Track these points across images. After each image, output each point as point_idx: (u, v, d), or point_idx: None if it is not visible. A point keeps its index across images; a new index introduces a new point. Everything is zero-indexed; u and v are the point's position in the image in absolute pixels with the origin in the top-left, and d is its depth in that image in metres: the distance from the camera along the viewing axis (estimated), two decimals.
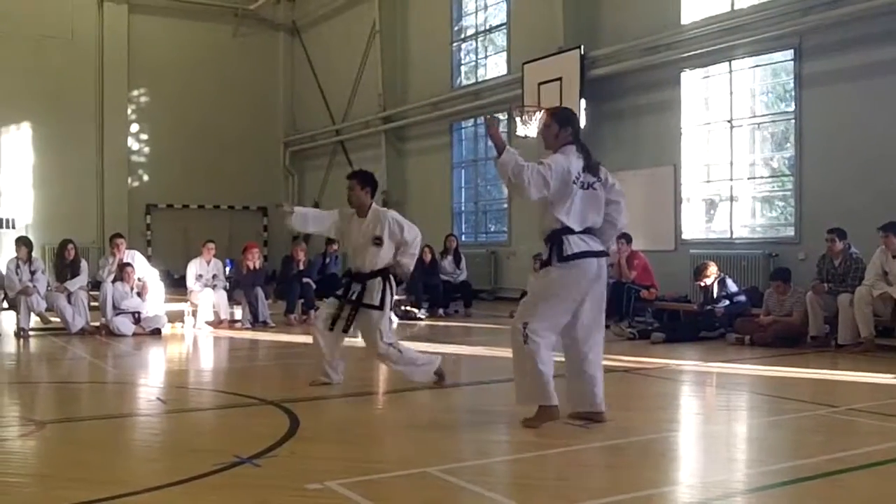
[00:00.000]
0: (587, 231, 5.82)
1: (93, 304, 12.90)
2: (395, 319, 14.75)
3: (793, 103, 12.63)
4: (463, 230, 19.40)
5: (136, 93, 24.09)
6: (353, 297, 7.42)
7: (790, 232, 12.69)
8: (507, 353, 8.85)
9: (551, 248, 5.75)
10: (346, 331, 7.54)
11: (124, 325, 12.21)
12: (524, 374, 5.78)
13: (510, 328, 5.89)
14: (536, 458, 5.13)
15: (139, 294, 12.53)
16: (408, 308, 15.55)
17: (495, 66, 18.64)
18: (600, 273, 5.83)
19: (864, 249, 10.56)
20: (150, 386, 8.45)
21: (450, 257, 16.31)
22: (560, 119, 6.01)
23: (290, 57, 26.05)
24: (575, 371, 5.93)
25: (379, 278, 7.42)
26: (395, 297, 15.42)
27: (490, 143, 5.93)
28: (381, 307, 7.40)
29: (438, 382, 7.68)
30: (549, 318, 5.75)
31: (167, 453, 5.49)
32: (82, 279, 12.65)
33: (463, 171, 19.66)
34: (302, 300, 14.45)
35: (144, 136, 24.31)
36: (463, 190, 19.73)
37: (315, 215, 8.01)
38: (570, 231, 5.73)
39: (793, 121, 12.61)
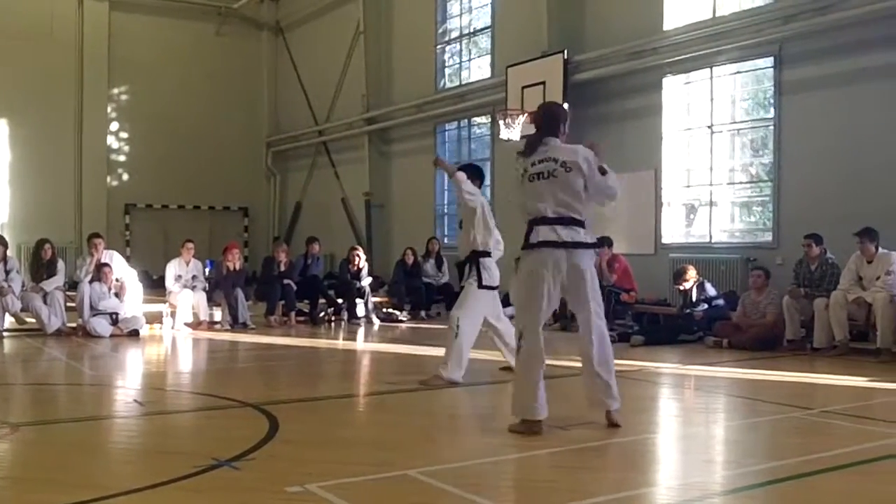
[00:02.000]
0: (558, 220, 5.78)
1: (69, 304, 12.82)
2: (377, 321, 14.79)
3: (772, 110, 12.70)
4: (446, 233, 19.40)
5: (116, 91, 23.93)
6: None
7: (768, 237, 12.77)
8: (488, 355, 8.92)
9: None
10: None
11: (101, 326, 12.13)
12: (517, 385, 5.90)
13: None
14: (517, 461, 5.15)
15: (117, 295, 12.48)
16: (390, 310, 15.56)
17: (479, 69, 18.65)
18: (570, 264, 5.77)
19: (840, 255, 10.67)
20: (127, 388, 8.40)
21: (432, 260, 16.33)
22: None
23: (273, 56, 25.96)
24: (587, 371, 5.98)
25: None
26: (377, 299, 15.56)
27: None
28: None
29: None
30: (530, 314, 5.81)
31: (144, 456, 5.46)
32: (59, 279, 12.57)
33: (446, 173, 19.63)
34: (283, 302, 14.43)
35: (124, 135, 24.13)
36: (446, 192, 19.69)
37: None
38: (539, 221, 5.82)
39: (772, 127, 12.69)
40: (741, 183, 13.59)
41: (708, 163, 13.63)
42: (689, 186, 14.11)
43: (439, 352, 9.34)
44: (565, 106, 14.58)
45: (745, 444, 5.93)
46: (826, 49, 11.82)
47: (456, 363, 7.99)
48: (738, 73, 13.36)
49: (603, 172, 5.85)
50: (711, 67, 13.50)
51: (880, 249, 10.12)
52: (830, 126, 11.78)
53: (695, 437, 6.23)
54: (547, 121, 6.11)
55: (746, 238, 13.37)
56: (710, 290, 11.96)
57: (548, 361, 5.96)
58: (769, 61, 12.70)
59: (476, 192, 8.08)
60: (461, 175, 7.93)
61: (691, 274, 11.98)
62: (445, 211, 19.68)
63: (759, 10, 12.80)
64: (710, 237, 13.63)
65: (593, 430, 5.83)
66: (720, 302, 11.85)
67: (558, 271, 5.76)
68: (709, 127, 13.61)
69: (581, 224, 5.83)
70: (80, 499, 4.26)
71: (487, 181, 17.49)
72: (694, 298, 11.86)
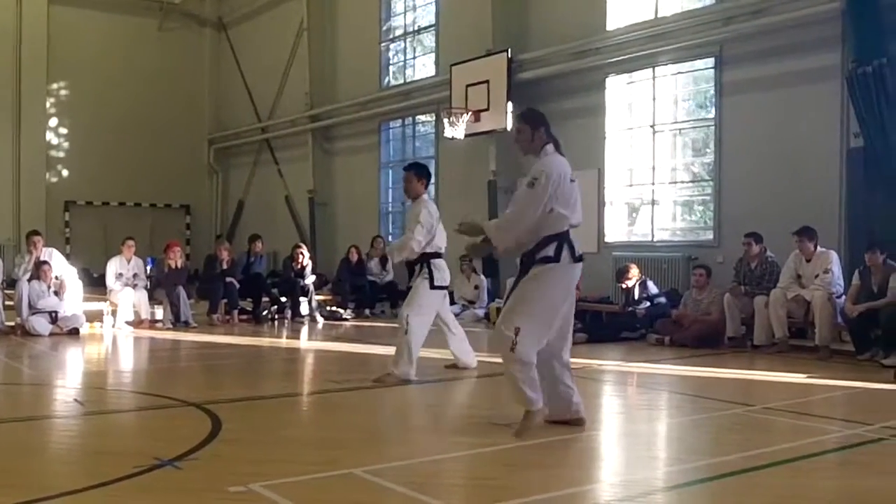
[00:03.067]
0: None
1: (8, 302, 12.58)
2: (321, 319, 14.73)
3: (713, 110, 12.89)
4: (390, 230, 19.38)
5: (55, 86, 23.47)
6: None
7: (709, 235, 12.95)
8: (433, 352, 8.93)
9: (559, 247, 5.57)
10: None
11: (41, 324, 11.94)
12: (511, 382, 5.67)
13: (495, 332, 5.71)
14: (462, 458, 5.16)
15: (56, 293, 12.28)
16: (334, 308, 15.50)
17: (424, 67, 18.65)
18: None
19: (780, 253, 10.87)
20: (67, 387, 8.27)
21: (377, 258, 16.30)
22: (531, 121, 5.83)
23: (215, 53, 25.67)
24: (553, 379, 5.89)
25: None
26: (321, 298, 15.49)
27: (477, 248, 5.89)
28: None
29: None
30: (544, 323, 5.65)
31: (85, 456, 5.38)
32: None
33: (391, 171, 19.61)
34: (225, 300, 14.31)
35: (64, 131, 23.70)
36: (391, 190, 19.68)
37: None
38: (568, 229, 5.65)
39: (713, 127, 12.87)
40: (683, 182, 13.77)
41: (650, 162, 13.79)
42: (631, 185, 14.26)
43: (384, 350, 9.35)
44: (509, 105, 14.78)
45: (688, 440, 6.01)
46: (764, 51, 12.02)
47: (407, 361, 8.00)
48: (680, 73, 13.53)
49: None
50: (654, 68, 13.65)
51: (819, 248, 10.32)
52: (769, 126, 11.99)
53: (637, 433, 6.29)
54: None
55: (688, 237, 13.55)
56: (653, 288, 12.12)
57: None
58: (710, 62, 12.88)
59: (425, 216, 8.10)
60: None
61: (634, 272, 12.12)
62: (390, 209, 19.65)
63: (700, 11, 12.98)
64: (653, 236, 13.79)
65: (537, 428, 5.85)
66: (662, 300, 12.00)
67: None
68: (651, 126, 13.76)
69: None
70: (18, 500, 4.17)
71: (433, 178, 17.54)
72: (636, 296, 12.00)
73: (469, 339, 8.92)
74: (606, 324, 12.40)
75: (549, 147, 5.79)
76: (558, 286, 5.65)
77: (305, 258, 15.21)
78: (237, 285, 14.38)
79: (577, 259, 5.67)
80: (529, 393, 5.63)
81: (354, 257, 16.12)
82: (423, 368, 8.42)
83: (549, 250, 5.59)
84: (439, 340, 8.77)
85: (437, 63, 17.78)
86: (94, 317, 13.04)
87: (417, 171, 8.42)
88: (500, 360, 5.77)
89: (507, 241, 5.69)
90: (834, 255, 10.28)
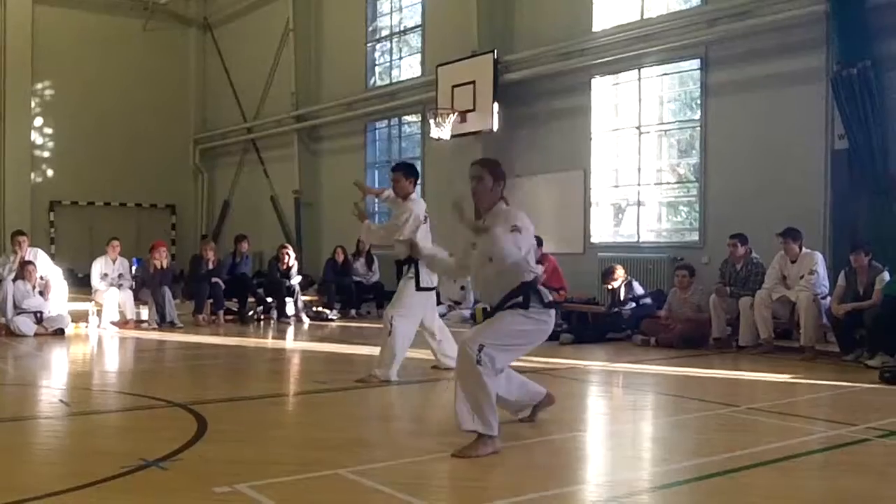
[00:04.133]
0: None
1: None
2: (307, 319, 14.71)
3: (698, 111, 12.93)
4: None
5: (40, 86, 23.36)
6: None
7: (695, 236, 13.00)
8: (419, 353, 8.92)
9: (526, 296, 5.40)
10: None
11: (25, 324, 11.89)
12: (471, 398, 5.28)
13: (459, 349, 5.44)
14: (447, 459, 5.16)
15: (41, 293, 12.23)
16: (319, 309, 15.48)
17: (410, 68, 18.65)
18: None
19: (765, 254, 10.90)
20: (52, 388, 8.23)
21: (362, 259, 16.29)
22: (496, 173, 5.63)
23: (201, 53, 25.60)
24: (509, 382, 5.86)
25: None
26: (307, 298, 15.47)
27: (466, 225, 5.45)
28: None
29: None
30: (510, 353, 5.49)
31: (70, 457, 5.36)
32: None
33: (377, 171, 19.60)
34: (211, 300, 14.27)
35: (49, 131, 23.60)
36: None
37: None
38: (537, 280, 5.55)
39: (698, 128, 12.92)
40: (668, 183, 13.82)
41: (636, 163, 13.82)
42: (617, 186, 14.29)
43: (369, 350, 9.34)
44: (495, 106, 14.78)
45: (673, 440, 6.03)
46: (749, 53, 12.08)
47: (389, 362, 8.00)
48: (666, 74, 13.57)
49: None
50: (639, 69, 13.69)
51: (804, 249, 10.36)
52: (754, 128, 12.05)
53: (623, 434, 6.31)
54: None
55: (673, 238, 13.59)
56: (638, 289, 12.14)
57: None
58: (695, 63, 12.92)
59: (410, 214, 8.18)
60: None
61: (619, 273, 12.14)
62: (376, 209, 19.62)
63: (685, 12, 13.03)
64: (638, 237, 13.82)
65: (522, 429, 5.87)
66: (648, 300, 12.02)
67: None
68: (637, 128, 13.79)
69: None
70: (2, 501, 4.16)
71: (419, 179, 17.54)
72: (622, 297, 12.02)
73: (455, 340, 8.91)
74: (592, 325, 12.42)
75: (502, 203, 5.61)
76: (528, 331, 5.48)
77: (291, 258, 15.18)
78: (223, 285, 14.34)
79: (548, 305, 5.53)
80: (489, 415, 5.29)
81: (340, 258, 16.10)
82: (408, 369, 8.43)
83: (519, 299, 5.43)
84: (424, 341, 8.76)
85: (423, 63, 17.78)
86: (79, 317, 12.99)
87: (406, 171, 8.45)
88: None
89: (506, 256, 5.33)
90: (819, 256, 10.32)
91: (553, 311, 5.57)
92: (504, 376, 5.73)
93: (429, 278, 8.16)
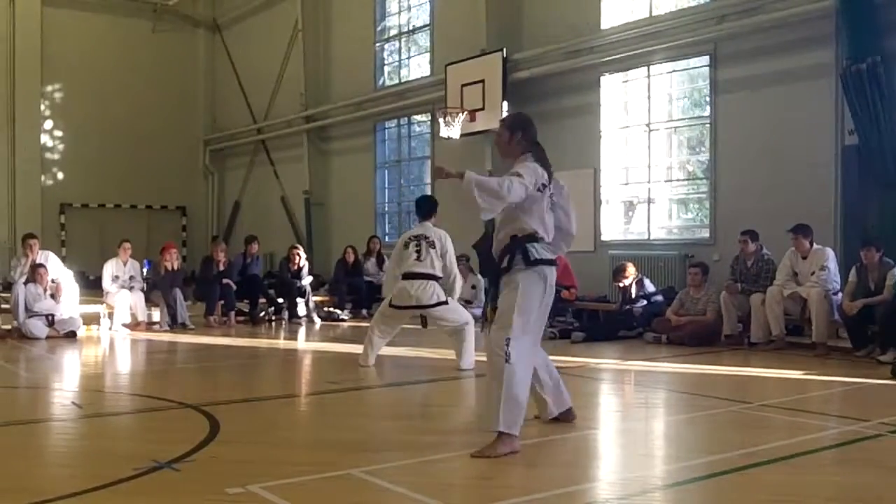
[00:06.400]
0: (547, 242, 5.55)
1: (4, 306, 12.57)
2: (318, 320, 14.73)
3: (708, 108, 12.90)
4: (386, 231, 19.37)
5: (50, 88, 23.44)
6: None
7: (705, 233, 12.96)
8: (429, 352, 8.94)
9: (512, 255, 5.40)
10: None
11: (37, 327, 11.93)
12: (498, 397, 5.21)
13: (487, 343, 5.44)
14: (460, 458, 5.16)
15: (53, 296, 12.26)
16: (331, 309, 15.49)
17: (418, 67, 18.64)
18: (553, 281, 5.53)
19: (776, 251, 10.88)
20: (64, 390, 8.26)
21: (373, 259, 16.30)
22: (510, 125, 5.68)
23: (210, 54, 25.66)
24: (544, 375, 5.86)
25: None
26: (318, 298, 15.49)
27: (446, 178, 5.39)
28: None
29: None
30: (529, 329, 5.39)
31: (83, 459, 5.38)
32: None
33: (386, 171, 19.63)
34: (222, 301, 14.29)
35: (59, 133, 23.67)
36: (386, 190, 19.69)
37: None
38: (537, 239, 5.45)
39: (708, 125, 12.88)
40: (678, 180, 13.79)
41: (646, 160, 13.79)
42: (627, 184, 14.26)
43: (381, 350, 9.34)
44: (505, 104, 14.77)
45: (685, 438, 6.02)
46: (758, 49, 12.04)
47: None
48: (675, 71, 13.54)
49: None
50: (648, 66, 13.66)
51: (815, 245, 10.33)
52: (764, 124, 12.01)
53: (635, 432, 6.30)
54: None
55: (684, 235, 13.56)
56: (649, 287, 12.12)
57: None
58: (705, 60, 12.89)
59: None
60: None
61: (630, 271, 12.12)
62: (385, 209, 19.66)
63: (694, 9, 12.99)
64: (649, 234, 13.80)
65: (534, 427, 5.86)
66: (659, 298, 12.00)
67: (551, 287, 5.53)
68: (646, 125, 13.77)
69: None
70: None
71: (427, 178, 17.56)
72: (633, 295, 12.00)
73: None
74: (603, 323, 12.41)
75: (528, 155, 5.59)
76: (523, 294, 5.39)
77: (302, 259, 15.19)
78: (234, 287, 14.36)
79: (531, 263, 5.40)
80: (516, 416, 5.26)
81: (351, 258, 16.10)
82: (419, 369, 8.43)
83: (505, 261, 5.44)
84: (437, 340, 8.77)
85: (431, 63, 17.78)
86: (90, 319, 13.03)
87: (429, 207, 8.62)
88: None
89: (467, 191, 5.20)
90: (830, 253, 10.29)
91: (545, 267, 5.45)
92: (546, 368, 5.80)
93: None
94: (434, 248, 8.71)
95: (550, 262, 5.50)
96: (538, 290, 5.43)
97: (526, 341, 5.35)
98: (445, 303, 8.68)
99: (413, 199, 19.16)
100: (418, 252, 8.68)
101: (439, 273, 8.74)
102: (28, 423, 6.46)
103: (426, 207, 9.06)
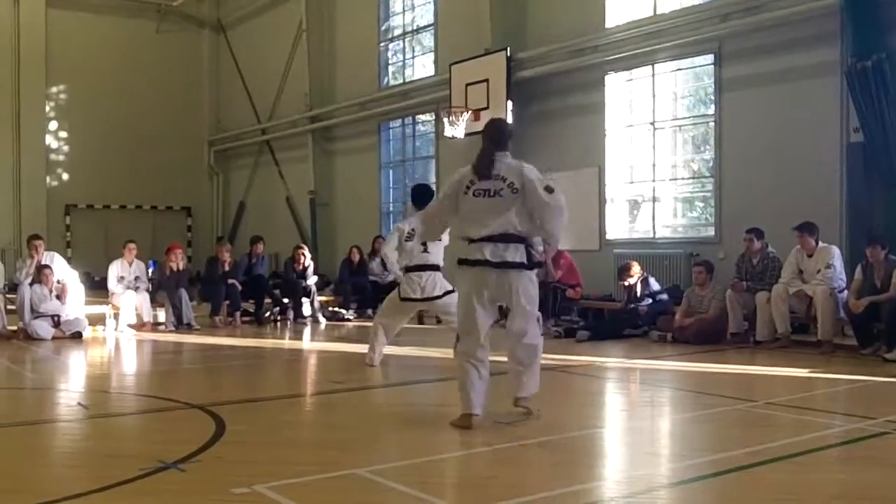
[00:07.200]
0: (489, 238, 5.82)
1: (10, 307, 12.58)
2: (324, 320, 14.74)
3: (713, 106, 12.87)
4: (391, 231, 19.35)
5: (54, 89, 23.48)
6: None
7: (710, 232, 12.94)
8: (433, 352, 8.94)
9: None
10: None
11: (43, 328, 11.93)
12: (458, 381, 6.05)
13: (528, 336, 6.04)
14: (464, 457, 5.16)
15: (58, 297, 12.27)
16: (336, 309, 15.49)
17: (423, 67, 18.64)
18: (499, 281, 5.85)
19: (781, 249, 10.86)
20: (70, 391, 8.29)
21: (378, 258, 16.26)
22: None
23: (214, 54, 25.67)
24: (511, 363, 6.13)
25: None
26: (323, 298, 15.49)
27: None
28: None
29: None
30: (464, 323, 5.99)
31: (89, 459, 5.38)
32: None
33: (391, 171, 19.63)
34: (227, 302, 14.29)
35: (64, 135, 23.71)
36: (391, 190, 19.70)
37: None
38: (467, 240, 5.94)
39: (713, 123, 12.86)
40: (683, 179, 13.76)
41: (651, 159, 13.77)
42: (632, 183, 14.24)
43: (386, 350, 9.33)
44: (509, 104, 14.77)
45: (690, 436, 6.01)
46: (763, 47, 12.01)
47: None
48: (679, 70, 13.52)
49: (550, 191, 5.83)
50: (653, 65, 13.63)
51: (820, 243, 10.31)
52: (769, 122, 11.99)
53: (640, 430, 6.29)
54: (497, 136, 6.04)
55: (689, 233, 13.53)
56: (654, 285, 12.10)
57: (492, 358, 6.01)
58: (709, 58, 12.86)
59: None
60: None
61: (635, 269, 12.10)
62: (391, 209, 19.65)
63: (698, 7, 12.96)
64: (654, 233, 13.77)
65: (539, 426, 5.86)
66: (664, 297, 11.99)
67: (486, 287, 5.88)
68: (651, 123, 13.75)
69: (520, 242, 5.86)
70: None
71: (433, 178, 17.56)
72: (638, 293, 11.98)
73: None
74: (609, 321, 12.38)
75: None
76: (458, 286, 6.21)
77: (307, 259, 15.19)
78: (239, 287, 14.37)
79: (459, 262, 6.03)
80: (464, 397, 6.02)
81: (356, 258, 16.11)
82: (424, 368, 8.43)
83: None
84: (442, 340, 8.77)
85: (436, 62, 17.78)
86: (96, 320, 13.04)
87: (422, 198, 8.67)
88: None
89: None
90: (835, 250, 10.27)
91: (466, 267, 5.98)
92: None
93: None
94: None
95: (472, 263, 5.91)
96: (462, 290, 6.07)
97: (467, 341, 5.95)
98: (452, 291, 8.64)
99: None
100: (424, 244, 8.65)
101: (441, 262, 8.76)
102: (34, 423, 6.47)
103: (424, 196, 8.99)
